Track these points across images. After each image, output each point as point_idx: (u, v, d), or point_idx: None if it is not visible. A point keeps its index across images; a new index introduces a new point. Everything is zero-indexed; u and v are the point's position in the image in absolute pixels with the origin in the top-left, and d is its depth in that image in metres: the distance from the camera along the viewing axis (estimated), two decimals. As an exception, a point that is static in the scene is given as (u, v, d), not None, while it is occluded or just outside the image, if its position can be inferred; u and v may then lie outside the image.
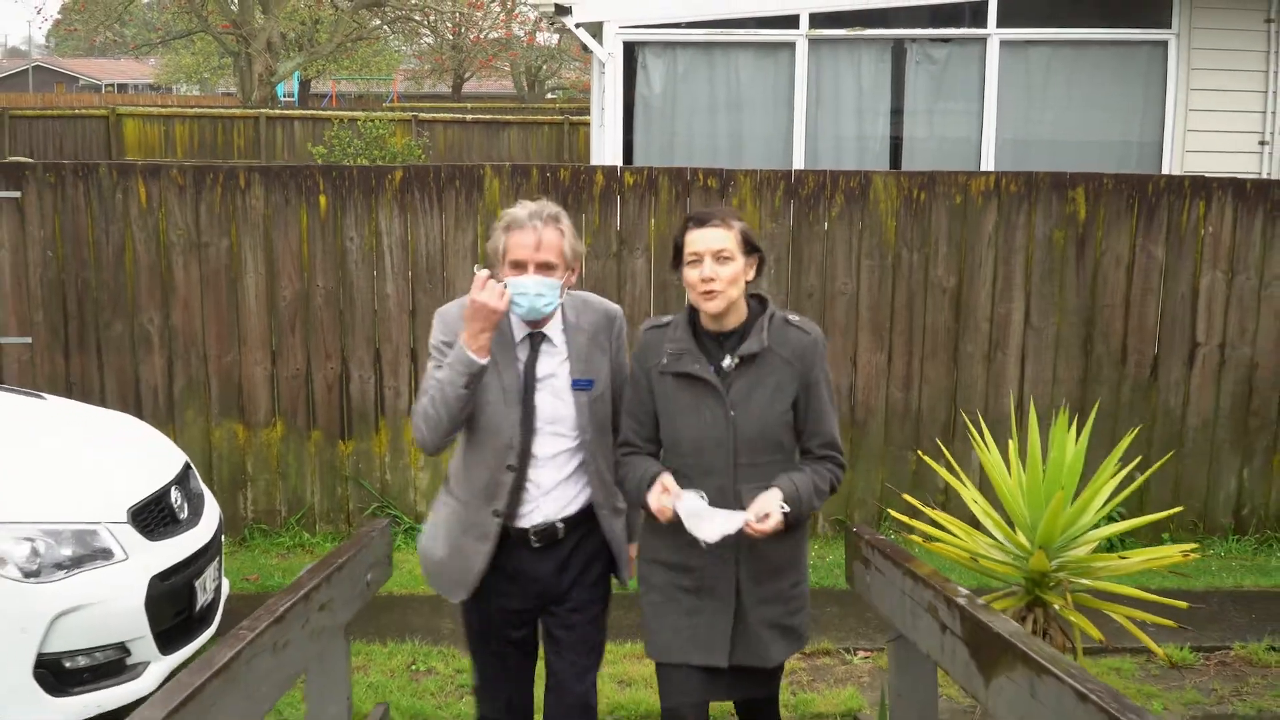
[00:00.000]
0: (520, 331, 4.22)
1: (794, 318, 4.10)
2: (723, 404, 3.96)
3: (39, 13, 74.69)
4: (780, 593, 4.07)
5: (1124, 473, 4.51)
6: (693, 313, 4.10)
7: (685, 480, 3.98)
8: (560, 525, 4.24)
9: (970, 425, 4.40)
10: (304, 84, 43.59)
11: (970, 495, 4.23)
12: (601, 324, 4.30)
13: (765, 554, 4.00)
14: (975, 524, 4.22)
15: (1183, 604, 4.57)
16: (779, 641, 4.08)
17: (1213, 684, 6.41)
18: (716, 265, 3.91)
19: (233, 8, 33.87)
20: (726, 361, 3.99)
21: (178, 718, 2.25)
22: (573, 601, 4.31)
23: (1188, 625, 6.75)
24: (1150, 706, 6.04)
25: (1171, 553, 4.02)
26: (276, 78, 33.99)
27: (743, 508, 3.88)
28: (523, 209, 4.13)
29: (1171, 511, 5.69)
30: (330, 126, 25.34)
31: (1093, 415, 4.96)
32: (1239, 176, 8.46)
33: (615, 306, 4.44)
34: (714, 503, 3.89)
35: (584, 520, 4.31)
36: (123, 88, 66.98)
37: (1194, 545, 4.62)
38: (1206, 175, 8.47)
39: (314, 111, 32.19)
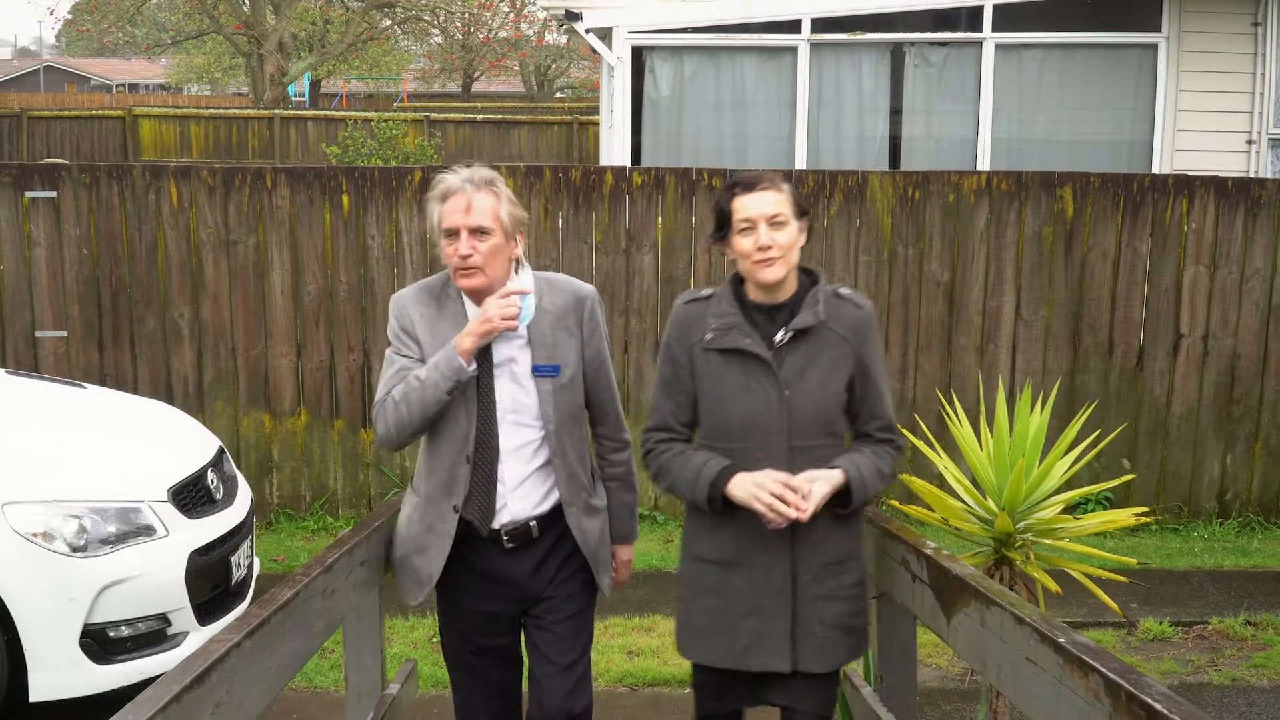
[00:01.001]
0: (474, 312, 3.90)
1: (845, 291, 3.78)
2: (776, 382, 3.62)
3: (51, 13, 75.10)
4: (840, 589, 3.70)
5: (1094, 447, 4.90)
6: (736, 285, 3.77)
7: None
8: (534, 525, 3.95)
9: (944, 402, 4.75)
10: (314, 84, 43.91)
11: (943, 464, 4.60)
12: (569, 305, 3.95)
13: (824, 547, 3.66)
14: (952, 493, 4.58)
15: (1132, 561, 4.94)
16: (841, 643, 3.71)
17: (1190, 655, 6.77)
18: (772, 231, 3.59)
19: (244, 8, 34.20)
20: (779, 336, 3.65)
21: (252, 641, 2.66)
22: (552, 604, 4.01)
23: (1140, 582, 7.22)
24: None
25: (1124, 515, 4.39)
26: (288, 78, 34.33)
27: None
28: (455, 176, 3.86)
29: (1127, 477, 6.07)
30: (344, 127, 25.73)
31: (1054, 390, 5.35)
32: (1222, 175, 8.83)
33: (587, 287, 4.06)
34: None
35: (560, 519, 4.00)
36: (134, 88, 67.30)
37: (1146, 509, 4.99)
38: (1189, 174, 8.84)
39: (328, 112, 32.56)
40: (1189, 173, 9.44)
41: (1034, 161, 10.83)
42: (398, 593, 4.07)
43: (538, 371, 3.88)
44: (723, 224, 3.69)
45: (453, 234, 3.78)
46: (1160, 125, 11.18)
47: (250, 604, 6.37)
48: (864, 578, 3.79)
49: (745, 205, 3.62)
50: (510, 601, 4.00)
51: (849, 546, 3.72)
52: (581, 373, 3.98)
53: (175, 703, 2.24)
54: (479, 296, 3.86)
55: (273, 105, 31.97)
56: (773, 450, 3.62)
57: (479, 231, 3.77)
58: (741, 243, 3.62)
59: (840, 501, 3.60)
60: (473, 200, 3.77)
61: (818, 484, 3.54)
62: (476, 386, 3.85)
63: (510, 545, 3.94)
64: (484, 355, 3.85)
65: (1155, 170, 11.06)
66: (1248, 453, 8.73)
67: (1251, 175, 10.94)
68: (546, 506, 3.96)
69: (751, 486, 3.56)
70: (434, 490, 3.93)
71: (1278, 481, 8.77)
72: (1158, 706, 2.06)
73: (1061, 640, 2.46)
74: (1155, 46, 11.16)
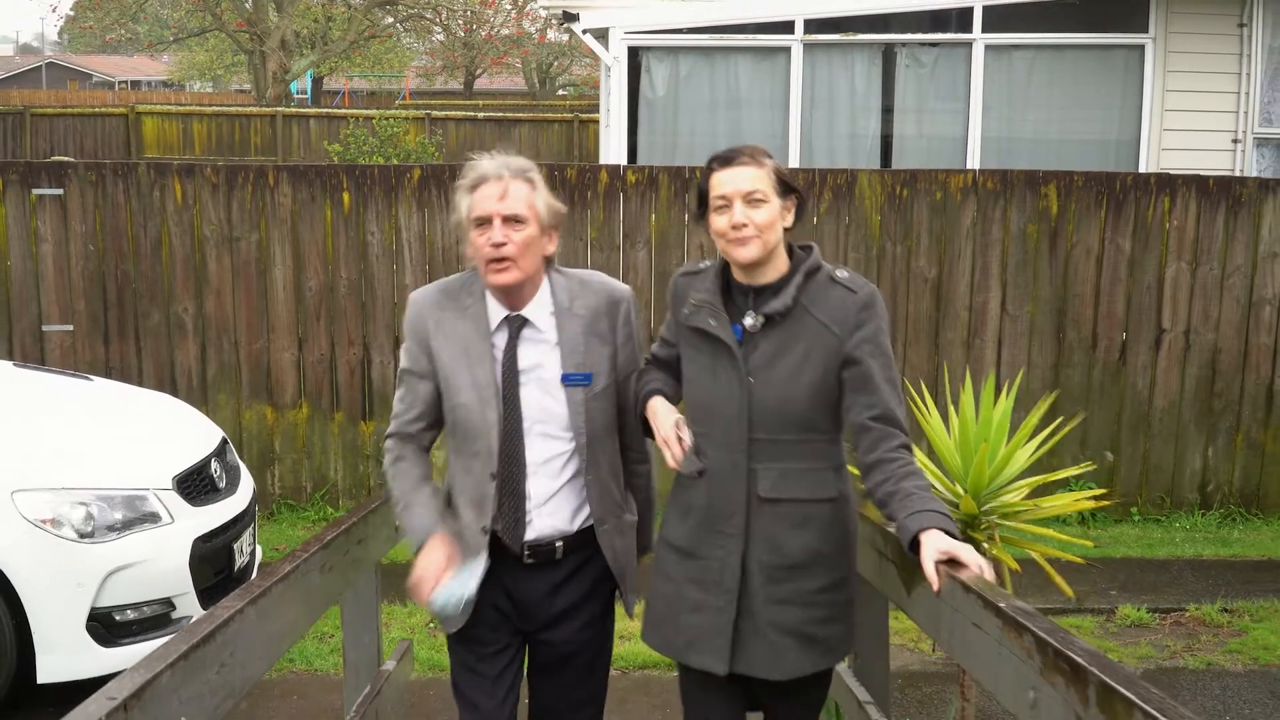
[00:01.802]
0: (497, 314, 3.62)
1: (842, 273, 3.47)
2: (738, 369, 3.41)
3: (54, 10, 75.20)
4: (800, 594, 3.45)
5: (1056, 435, 5.10)
6: (725, 262, 3.53)
7: (698, 448, 3.51)
8: (559, 545, 3.65)
9: (913, 392, 4.92)
10: (317, 81, 44.08)
11: (910, 449, 4.79)
12: (602, 308, 3.67)
13: (782, 548, 3.44)
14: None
15: (1089, 543, 5.13)
16: (797, 651, 3.46)
17: (1166, 641, 6.96)
18: (748, 209, 3.35)
19: (246, 6, 34.35)
20: (749, 320, 3.43)
21: (254, 608, 2.86)
22: (566, 639, 3.74)
23: (1095, 563, 7.50)
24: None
25: (1083, 498, 4.60)
26: (290, 75, 34.49)
27: (756, 490, 3.43)
28: (488, 162, 3.57)
29: (1085, 467, 6.25)
30: (346, 125, 25.91)
31: (1018, 379, 5.55)
32: (1204, 174, 9.02)
33: (623, 287, 3.78)
34: (726, 480, 3.45)
35: (587, 542, 3.71)
36: (136, 84, 67.49)
37: (1104, 491, 5.19)
38: (1171, 173, 9.04)
39: (329, 110, 32.75)
40: (1171, 171, 9.64)
41: (1023, 160, 11.01)
42: (441, 623, 3.76)
43: (568, 380, 3.59)
44: (703, 202, 3.49)
45: (484, 222, 3.50)
46: (1147, 124, 11.35)
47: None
48: (839, 584, 3.52)
49: (721, 181, 3.40)
50: (519, 618, 3.71)
51: (815, 549, 3.45)
52: (613, 381, 3.69)
53: (183, 660, 2.44)
54: (510, 295, 3.59)
55: (275, 102, 32.14)
56: (732, 439, 3.44)
57: (513, 220, 3.49)
58: (716, 220, 3.42)
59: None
60: (509, 187, 3.50)
61: (928, 555, 3.16)
62: (502, 395, 3.57)
63: (530, 561, 3.64)
64: (510, 362, 3.59)
65: (1142, 168, 11.24)
66: (1229, 445, 8.92)
67: (1237, 174, 11.12)
68: (575, 525, 3.67)
69: (656, 418, 3.55)
70: (465, 510, 3.65)
71: (1259, 474, 8.95)
72: (1080, 660, 2.27)
73: (1001, 605, 2.67)
74: (1142, 47, 11.33)
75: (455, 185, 3.62)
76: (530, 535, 3.60)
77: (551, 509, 3.61)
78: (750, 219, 3.34)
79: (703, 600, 3.48)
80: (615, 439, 3.74)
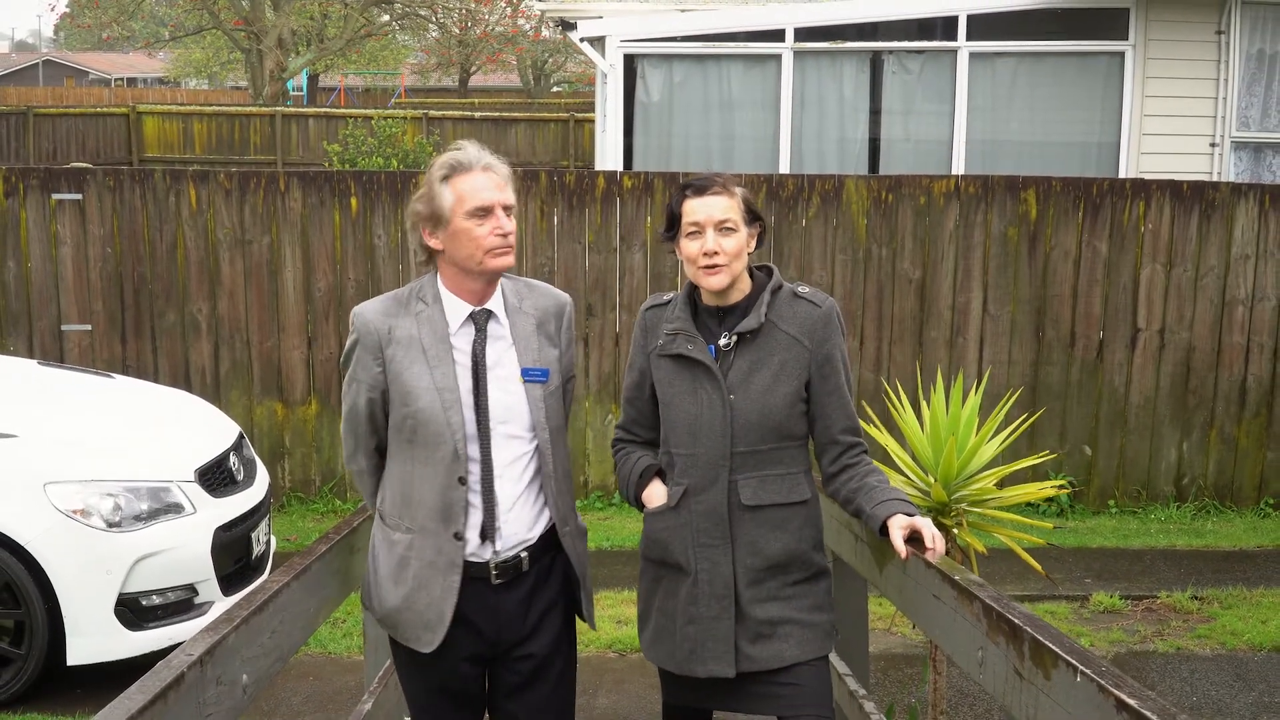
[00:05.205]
0: (460, 313, 3.61)
1: (804, 289, 3.68)
2: (719, 387, 3.56)
3: (52, 9, 75.16)
4: (782, 589, 3.61)
5: (1025, 422, 5.44)
6: (693, 288, 3.70)
7: (677, 471, 3.68)
8: (524, 556, 3.61)
9: (888, 389, 5.25)
10: (312, 78, 44.28)
11: (885, 441, 5.14)
12: (550, 310, 3.73)
13: (762, 550, 3.60)
14: (896, 469, 5.13)
15: (1049, 524, 5.48)
16: (795, 638, 3.59)
17: (1138, 626, 7.30)
18: (719, 237, 3.53)
19: (244, 4, 34.54)
20: (723, 340, 3.60)
21: (299, 582, 3.22)
22: (533, 659, 3.66)
23: (1071, 552, 7.92)
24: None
25: (1046, 487, 4.95)
26: (287, 73, 34.69)
27: (738, 499, 3.59)
28: (465, 152, 3.59)
29: (1047, 456, 6.56)
30: (345, 124, 26.14)
31: (985, 378, 5.90)
32: (1178, 179, 9.36)
33: (564, 295, 3.84)
34: (708, 495, 3.60)
35: (547, 548, 3.67)
36: (132, 81, 67.60)
37: (1064, 479, 5.54)
38: (1146, 178, 9.40)
39: (328, 110, 32.99)
40: (1146, 176, 9.99)
41: (1007, 163, 11.37)
42: (407, 644, 3.61)
43: (528, 376, 3.60)
44: (673, 224, 3.65)
45: (485, 212, 3.50)
46: (1127, 128, 11.69)
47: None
48: (816, 576, 3.68)
49: (694, 209, 3.57)
50: (487, 644, 3.63)
51: (792, 549, 3.62)
52: (562, 383, 3.74)
53: (244, 624, 2.80)
54: (490, 285, 3.62)
55: (272, 100, 32.37)
56: (714, 454, 3.59)
57: (509, 209, 3.55)
58: (688, 246, 3.59)
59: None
60: (508, 180, 3.57)
61: (895, 533, 3.49)
62: (474, 394, 3.55)
63: (498, 580, 3.58)
64: (479, 359, 3.57)
65: (1123, 171, 11.59)
66: (1203, 440, 9.26)
67: (1215, 177, 11.47)
68: (536, 533, 3.64)
69: (653, 497, 3.74)
70: (429, 520, 3.55)
71: (1232, 468, 9.30)
72: (1017, 621, 2.65)
73: (956, 578, 3.04)
74: (1122, 54, 11.67)
75: (434, 178, 3.60)
76: (497, 546, 3.56)
77: (515, 515, 3.58)
78: (721, 247, 3.54)
79: (695, 612, 3.60)
80: (566, 441, 3.76)
